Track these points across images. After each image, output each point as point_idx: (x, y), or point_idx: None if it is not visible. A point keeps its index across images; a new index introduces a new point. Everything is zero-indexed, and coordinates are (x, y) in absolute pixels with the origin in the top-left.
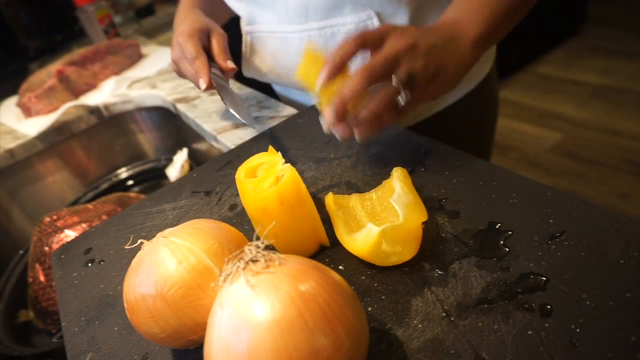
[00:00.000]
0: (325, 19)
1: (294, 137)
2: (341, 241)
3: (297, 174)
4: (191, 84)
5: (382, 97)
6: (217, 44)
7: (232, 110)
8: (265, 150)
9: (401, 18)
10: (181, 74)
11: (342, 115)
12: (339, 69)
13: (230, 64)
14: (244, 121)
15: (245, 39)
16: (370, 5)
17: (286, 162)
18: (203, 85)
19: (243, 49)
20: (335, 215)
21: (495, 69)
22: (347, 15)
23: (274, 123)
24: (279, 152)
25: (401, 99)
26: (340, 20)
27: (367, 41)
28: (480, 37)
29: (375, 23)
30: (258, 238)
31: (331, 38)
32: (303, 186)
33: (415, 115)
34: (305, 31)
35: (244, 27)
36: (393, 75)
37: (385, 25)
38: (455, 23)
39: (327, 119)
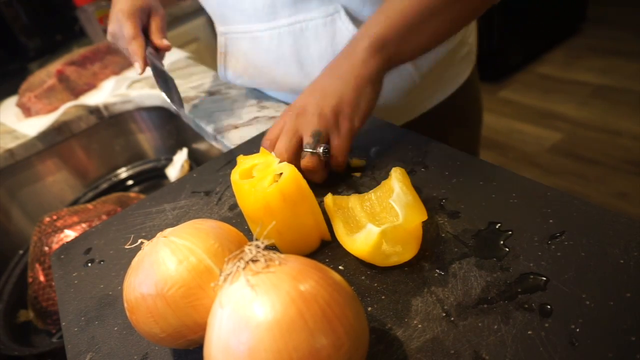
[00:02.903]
0: (293, 15)
1: None
2: (341, 242)
3: (296, 170)
4: (191, 84)
5: (306, 167)
6: (155, 23)
7: (163, 94)
8: None
9: (369, 11)
10: (116, 48)
11: None
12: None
13: (165, 42)
14: (173, 105)
15: (220, 40)
16: None
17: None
18: (138, 69)
19: (218, 51)
20: (334, 216)
21: (476, 75)
22: (314, 9)
23: (273, 123)
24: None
25: (320, 152)
26: (308, 15)
27: (273, 144)
28: (378, 39)
29: (342, 17)
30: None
31: (300, 34)
32: (304, 182)
33: (395, 118)
34: (275, 29)
35: (219, 28)
36: (304, 148)
37: (284, 112)
38: (361, 29)
39: None
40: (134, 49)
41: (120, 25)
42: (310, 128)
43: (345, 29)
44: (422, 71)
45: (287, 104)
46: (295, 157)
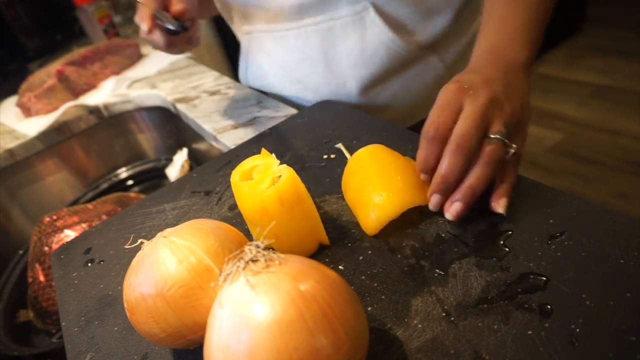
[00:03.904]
0: (320, 14)
1: (294, 137)
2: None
3: (295, 173)
4: (191, 84)
5: (491, 157)
6: None
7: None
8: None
9: (397, 6)
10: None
11: (448, 194)
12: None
13: (178, 6)
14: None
15: (243, 41)
16: None
17: (286, 162)
18: (144, 27)
19: (241, 51)
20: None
21: None
22: (343, 7)
23: (273, 123)
24: (277, 153)
25: (511, 150)
26: (337, 13)
27: (445, 130)
28: (527, 62)
29: (371, 14)
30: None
31: (327, 33)
32: (302, 185)
33: (423, 110)
34: (301, 28)
35: (241, 27)
36: (491, 135)
37: (446, 90)
38: (497, 53)
39: (434, 205)
40: (141, 12)
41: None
42: (502, 115)
43: (375, 26)
44: (446, 62)
45: (300, 106)
46: (477, 145)
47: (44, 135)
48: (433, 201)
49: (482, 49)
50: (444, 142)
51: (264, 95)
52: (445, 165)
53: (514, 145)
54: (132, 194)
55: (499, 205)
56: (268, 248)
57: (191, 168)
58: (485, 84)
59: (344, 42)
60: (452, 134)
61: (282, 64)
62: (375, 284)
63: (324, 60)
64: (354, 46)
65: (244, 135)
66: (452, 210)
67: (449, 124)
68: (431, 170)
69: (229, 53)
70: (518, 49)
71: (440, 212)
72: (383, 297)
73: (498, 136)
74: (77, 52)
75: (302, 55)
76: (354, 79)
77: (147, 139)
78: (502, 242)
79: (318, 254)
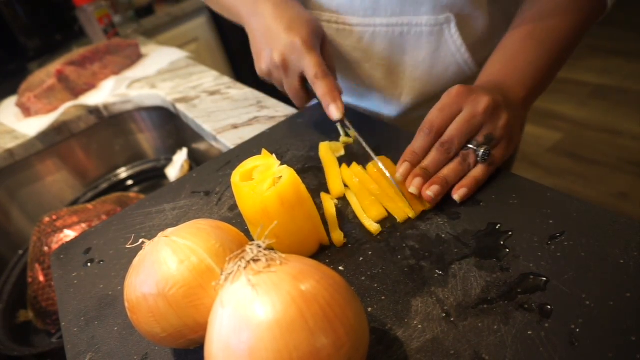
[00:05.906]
0: (396, 16)
1: (294, 137)
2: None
3: (295, 174)
4: (191, 84)
5: (465, 160)
6: (329, 58)
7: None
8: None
9: (480, 20)
10: (271, 77)
11: (427, 179)
12: (417, 164)
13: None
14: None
15: None
16: (450, 8)
17: (286, 162)
18: (337, 114)
19: None
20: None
21: None
22: (424, 14)
23: (274, 123)
24: (277, 153)
25: (480, 156)
26: (414, 19)
27: (439, 129)
28: (528, 98)
29: (452, 29)
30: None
31: (398, 38)
32: (302, 186)
33: None
34: (370, 26)
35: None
36: (469, 145)
37: (450, 93)
38: (498, 83)
39: (417, 185)
40: (329, 88)
41: (299, 56)
42: (489, 129)
43: (452, 43)
44: (474, 66)
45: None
46: (460, 147)
47: (43, 135)
48: (415, 182)
49: (486, 76)
50: (435, 139)
51: (264, 95)
52: (430, 158)
53: (481, 153)
54: (131, 194)
55: (457, 194)
56: (268, 248)
57: (191, 168)
58: (488, 93)
59: (413, 52)
60: (443, 134)
61: (336, 59)
62: (376, 285)
63: (386, 66)
64: (424, 59)
65: (244, 135)
66: (432, 189)
67: (443, 125)
68: (417, 158)
69: (229, 53)
70: (519, 86)
71: (439, 213)
72: (383, 297)
73: (472, 146)
74: (77, 52)
75: (363, 56)
76: (410, 95)
77: (146, 139)
78: (502, 243)
79: (318, 254)
